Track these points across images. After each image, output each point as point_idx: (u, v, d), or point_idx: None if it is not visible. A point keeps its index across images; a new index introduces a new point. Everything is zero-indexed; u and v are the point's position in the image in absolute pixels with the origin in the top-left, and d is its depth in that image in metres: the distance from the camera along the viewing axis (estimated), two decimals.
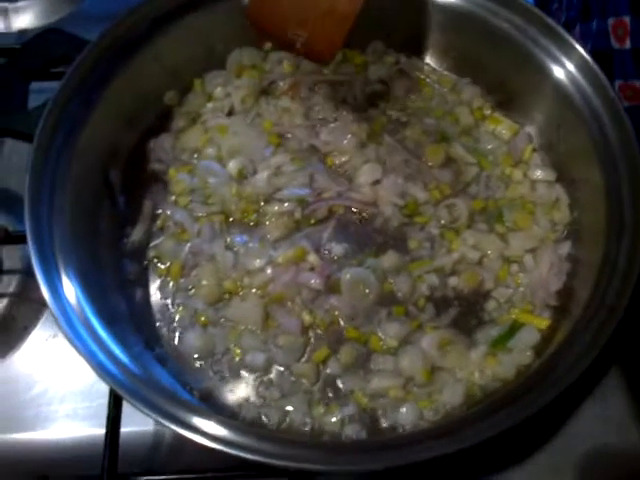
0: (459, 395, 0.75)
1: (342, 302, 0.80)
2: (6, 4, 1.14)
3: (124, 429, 0.73)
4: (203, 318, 0.80)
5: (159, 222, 0.87)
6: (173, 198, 0.88)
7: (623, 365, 0.82)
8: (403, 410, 0.74)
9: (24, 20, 1.15)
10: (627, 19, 0.86)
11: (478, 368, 0.77)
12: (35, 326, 0.84)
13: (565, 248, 0.84)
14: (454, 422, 0.68)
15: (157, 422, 0.63)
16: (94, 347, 0.66)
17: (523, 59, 0.89)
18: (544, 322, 0.80)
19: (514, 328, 0.80)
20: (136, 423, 0.75)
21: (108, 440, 0.71)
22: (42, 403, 0.79)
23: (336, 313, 0.80)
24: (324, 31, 0.77)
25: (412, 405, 0.75)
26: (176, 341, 0.80)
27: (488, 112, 0.96)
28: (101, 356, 0.66)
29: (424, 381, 0.76)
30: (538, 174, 0.90)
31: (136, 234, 0.85)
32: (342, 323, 0.80)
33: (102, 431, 0.72)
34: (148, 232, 0.86)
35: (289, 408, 0.75)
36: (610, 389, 0.81)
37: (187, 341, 0.79)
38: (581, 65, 0.84)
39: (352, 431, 0.73)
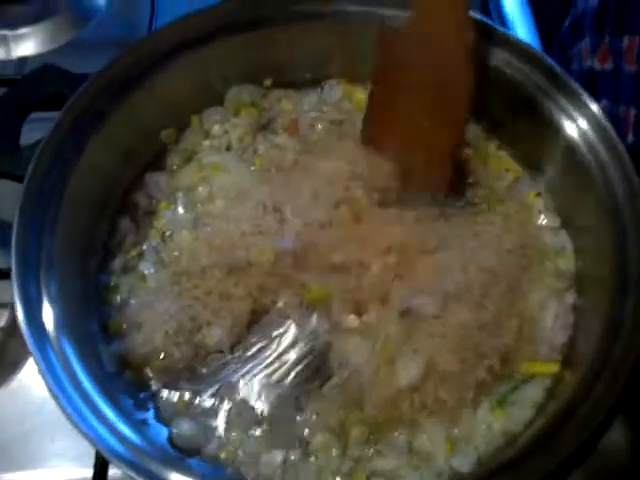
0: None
1: None
2: (6, 31, 1.14)
3: (114, 471, 0.71)
4: None
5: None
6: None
7: None
8: None
9: (25, 48, 1.14)
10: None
11: (486, 427, 0.73)
12: (26, 360, 0.82)
13: (570, 298, 0.81)
14: None
15: None
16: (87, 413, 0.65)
17: (525, 103, 0.86)
18: (553, 367, 0.76)
19: (520, 382, 0.76)
20: None
21: None
22: (32, 441, 0.77)
23: None
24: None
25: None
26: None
27: (492, 151, 0.93)
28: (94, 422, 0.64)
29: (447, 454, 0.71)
30: (542, 219, 0.88)
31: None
32: None
33: (91, 472, 0.71)
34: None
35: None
36: None
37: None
38: (588, 115, 0.81)
39: None
